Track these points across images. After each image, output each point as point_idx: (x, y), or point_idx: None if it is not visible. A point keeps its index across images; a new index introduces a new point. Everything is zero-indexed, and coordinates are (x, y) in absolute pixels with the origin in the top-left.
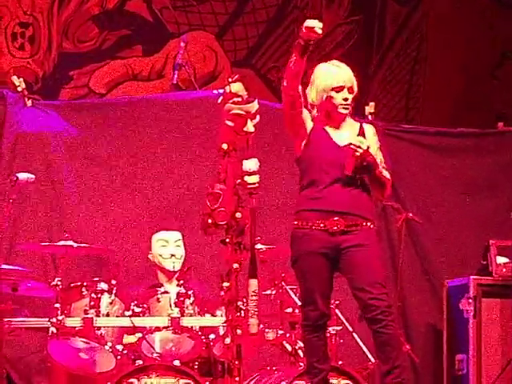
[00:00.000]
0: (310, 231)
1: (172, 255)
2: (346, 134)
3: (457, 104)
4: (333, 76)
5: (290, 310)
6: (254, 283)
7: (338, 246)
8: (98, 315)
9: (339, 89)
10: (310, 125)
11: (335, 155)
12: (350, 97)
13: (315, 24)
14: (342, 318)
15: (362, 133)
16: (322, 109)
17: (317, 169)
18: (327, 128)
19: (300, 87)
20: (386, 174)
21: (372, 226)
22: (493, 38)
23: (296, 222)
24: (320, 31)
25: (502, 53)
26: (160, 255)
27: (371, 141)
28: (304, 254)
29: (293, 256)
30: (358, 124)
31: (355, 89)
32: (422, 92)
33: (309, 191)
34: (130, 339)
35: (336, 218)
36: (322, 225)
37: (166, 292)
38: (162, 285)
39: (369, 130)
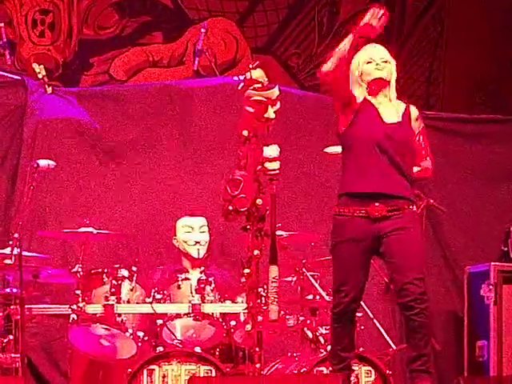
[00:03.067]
0: (351, 218)
1: (197, 242)
2: (394, 112)
3: (478, 90)
4: (363, 53)
5: (310, 296)
6: (274, 269)
7: (379, 231)
8: (118, 302)
9: (369, 62)
10: (360, 98)
11: (381, 134)
12: (384, 63)
13: (373, 21)
14: (362, 304)
15: (408, 113)
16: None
17: (361, 147)
18: (376, 104)
19: None
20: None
21: (415, 209)
22: None
23: (337, 209)
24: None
25: None
26: (185, 242)
27: (413, 122)
28: (343, 241)
29: (332, 242)
30: (405, 105)
31: (390, 60)
32: (443, 78)
33: (351, 171)
34: None
35: (377, 204)
36: (363, 211)
37: (187, 279)
38: (186, 270)
39: (414, 111)
